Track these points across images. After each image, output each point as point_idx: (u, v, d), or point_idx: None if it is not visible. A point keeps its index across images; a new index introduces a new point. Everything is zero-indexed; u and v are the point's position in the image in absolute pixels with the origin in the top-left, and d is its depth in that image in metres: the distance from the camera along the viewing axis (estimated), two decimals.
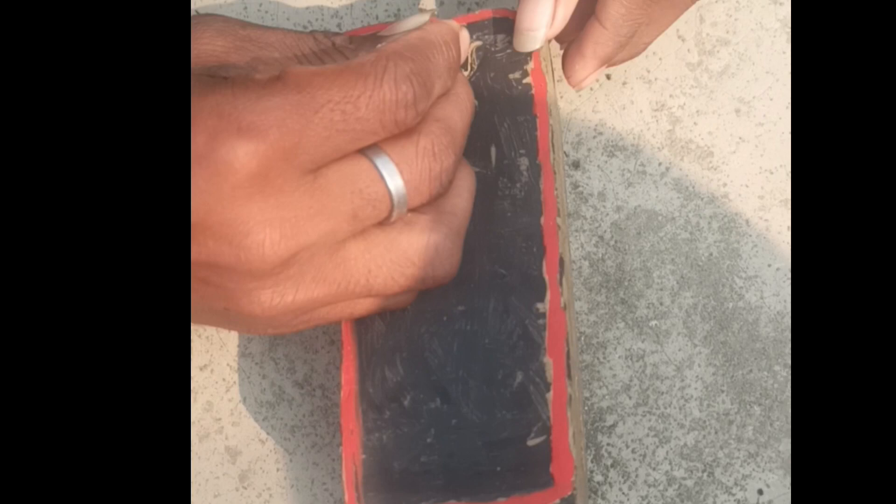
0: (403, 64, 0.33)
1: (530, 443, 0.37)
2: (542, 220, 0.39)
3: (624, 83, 0.47)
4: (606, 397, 0.44)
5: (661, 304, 0.45)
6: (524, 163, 0.40)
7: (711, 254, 0.45)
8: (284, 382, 0.44)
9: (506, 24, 0.41)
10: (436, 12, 0.39)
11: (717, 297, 0.45)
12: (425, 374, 0.38)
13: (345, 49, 0.36)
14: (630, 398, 0.44)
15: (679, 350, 0.44)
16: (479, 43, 0.41)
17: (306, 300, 0.33)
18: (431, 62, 0.34)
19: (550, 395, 0.37)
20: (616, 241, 0.45)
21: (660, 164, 0.46)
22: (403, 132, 0.34)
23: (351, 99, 0.31)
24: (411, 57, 0.33)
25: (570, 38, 0.42)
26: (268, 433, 0.44)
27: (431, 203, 0.35)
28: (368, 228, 0.34)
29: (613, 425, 0.43)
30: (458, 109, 0.36)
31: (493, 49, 0.41)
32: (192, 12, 0.49)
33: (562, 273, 0.39)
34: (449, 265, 0.36)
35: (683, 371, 0.44)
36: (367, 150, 0.33)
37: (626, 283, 0.45)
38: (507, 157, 0.40)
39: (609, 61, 0.42)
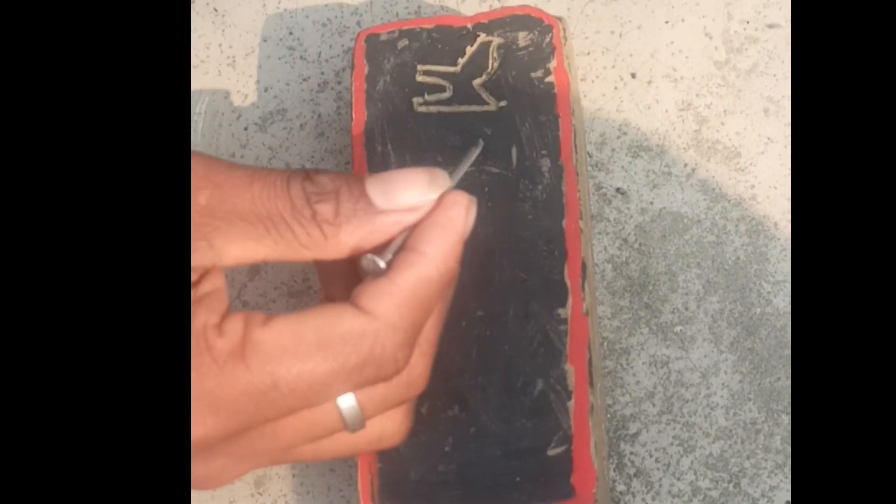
0: (393, 335, 0.30)
1: (551, 453, 0.36)
2: (564, 222, 0.38)
3: (649, 82, 0.46)
4: (630, 405, 0.43)
5: (687, 308, 0.44)
6: (546, 164, 0.39)
7: (738, 257, 0.44)
8: None
9: (528, 22, 0.40)
10: (450, 186, 0.32)
11: (744, 302, 0.43)
12: (443, 380, 0.37)
13: (326, 228, 0.30)
14: (654, 406, 0.43)
15: (705, 356, 0.43)
16: (500, 40, 0.40)
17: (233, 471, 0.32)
18: (427, 320, 0.31)
19: (572, 404, 0.36)
20: (640, 244, 0.44)
21: (686, 164, 0.45)
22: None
23: (325, 381, 0.29)
24: (404, 328, 0.30)
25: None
26: None
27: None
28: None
29: (637, 433, 0.42)
30: (440, 315, 0.33)
31: (514, 47, 0.40)
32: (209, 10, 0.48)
33: (584, 277, 0.38)
34: (399, 438, 0.34)
35: (709, 378, 0.43)
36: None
37: (650, 288, 0.44)
38: (528, 158, 0.39)
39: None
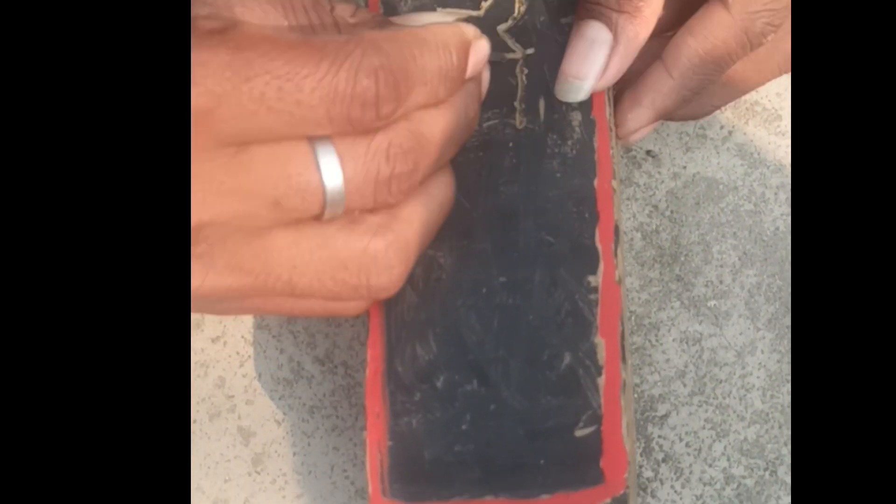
0: (374, 55, 0.29)
1: (578, 433, 0.33)
2: (596, 182, 0.35)
3: None
4: (658, 384, 0.40)
5: (721, 282, 0.41)
6: (576, 117, 0.36)
7: (778, 227, 0.41)
8: (304, 358, 0.41)
9: None
10: (464, 17, 0.34)
11: (783, 276, 0.40)
12: (461, 352, 0.34)
13: (341, 24, 0.31)
14: (685, 386, 0.39)
15: (740, 334, 0.40)
16: None
17: (217, 287, 0.30)
18: (415, 62, 0.30)
19: (602, 380, 0.33)
20: (672, 212, 0.41)
21: (722, 127, 0.42)
22: (362, 132, 0.30)
23: (294, 77, 0.28)
24: (389, 51, 0.29)
25: (628, 80, 0.37)
26: (284, 413, 0.40)
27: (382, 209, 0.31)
28: (302, 220, 0.30)
29: (666, 415, 0.39)
30: (443, 121, 0.32)
31: None
32: None
33: (617, 242, 0.35)
34: (387, 278, 0.32)
35: (745, 357, 0.40)
36: (313, 136, 0.29)
37: (682, 259, 0.41)
38: (557, 111, 0.36)
39: (667, 115, 0.37)
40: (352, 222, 0.31)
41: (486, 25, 0.37)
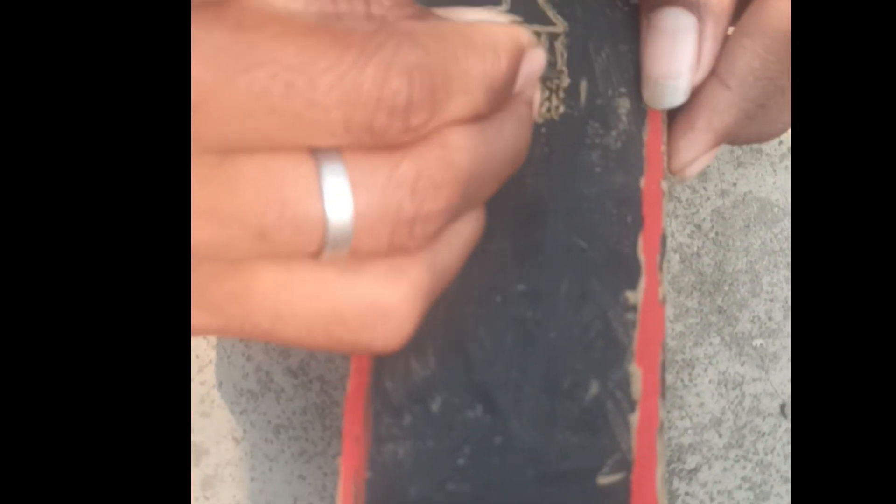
0: (410, 50, 0.25)
1: (602, 480, 0.29)
2: (643, 181, 0.31)
3: None
4: (689, 431, 0.36)
5: (771, 319, 0.38)
6: (624, 105, 0.32)
7: None
8: (274, 368, 0.38)
9: None
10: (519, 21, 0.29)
11: None
12: (465, 370, 0.30)
13: (374, 11, 0.26)
14: (720, 436, 0.36)
15: (789, 381, 0.36)
16: None
17: None
18: (457, 64, 0.26)
19: (636, 418, 0.29)
20: (717, 234, 0.39)
21: (780, 142, 0.40)
22: (383, 147, 0.25)
23: (308, 70, 0.24)
24: (428, 46, 0.25)
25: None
26: (245, 431, 0.38)
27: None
28: (294, 258, 0.26)
29: (696, 469, 0.36)
30: (485, 149, 0.27)
31: None
32: None
33: (663, 254, 0.30)
34: (394, 337, 0.27)
35: (790, 409, 0.35)
36: (319, 150, 0.25)
37: (726, 288, 0.38)
38: (601, 96, 0.32)
39: (729, 138, 0.33)
40: (357, 266, 0.26)
41: None
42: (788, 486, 0.35)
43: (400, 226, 0.25)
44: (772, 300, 0.37)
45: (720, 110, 0.32)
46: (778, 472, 0.35)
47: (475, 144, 0.27)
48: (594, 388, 0.29)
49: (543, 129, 0.31)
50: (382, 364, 0.30)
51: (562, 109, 0.32)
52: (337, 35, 0.24)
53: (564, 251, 0.30)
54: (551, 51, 0.32)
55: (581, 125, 0.31)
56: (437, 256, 0.27)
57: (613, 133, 0.31)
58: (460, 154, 0.26)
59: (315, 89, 0.24)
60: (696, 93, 0.32)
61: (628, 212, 0.30)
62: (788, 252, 0.38)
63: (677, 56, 0.31)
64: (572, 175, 0.31)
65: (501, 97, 0.26)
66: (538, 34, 0.32)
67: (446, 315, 0.30)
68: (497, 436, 0.29)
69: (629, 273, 0.30)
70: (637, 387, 0.29)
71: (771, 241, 0.38)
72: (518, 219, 0.31)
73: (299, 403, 0.37)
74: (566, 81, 0.32)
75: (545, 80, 0.32)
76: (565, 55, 0.32)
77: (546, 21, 0.33)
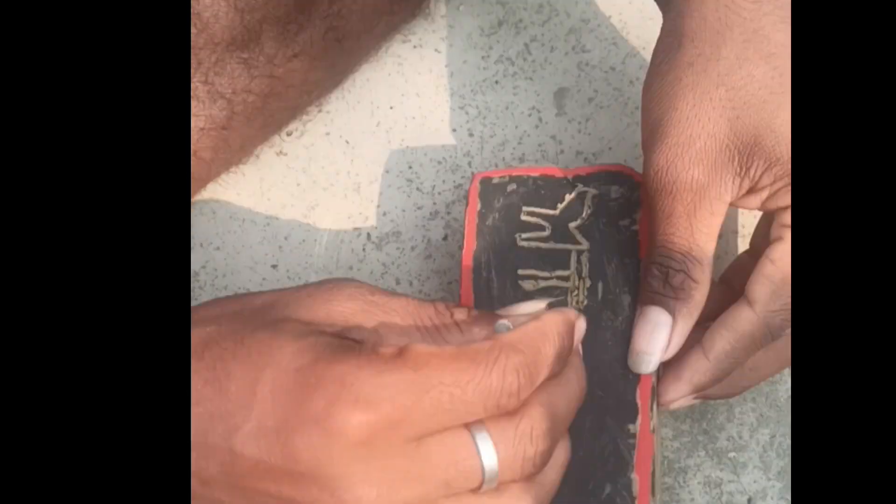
0: (514, 356, 0.35)
1: None
2: None
3: None
4: None
5: (741, 437, 0.49)
6: (626, 300, 0.45)
7: (790, 395, 0.49)
8: None
9: (619, 177, 0.47)
10: (549, 302, 0.40)
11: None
12: None
13: (463, 325, 0.38)
14: None
15: (754, 482, 0.48)
16: (595, 191, 0.47)
17: None
18: (541, 354, 0.36)
19: None
20: None
21: None
22: (508, 413, 0.35)
23: (460, 384, 0.34)
24: (523, 350, 0.35)
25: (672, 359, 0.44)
26: None
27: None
28: (461, 494, 0.36)
29: None
30: (565, 395, 0.37)
31: (606, 198, 0.47)
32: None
33: (653, 399, 0.43)
34: None
35: (756, 501, 0.48)
36: (471, 424, 0.35)
37: (709, 416, 0.49)
38: (611, 293, 0.45)
39: (702, 391, 0.44)
40: (499, 490, 0.36)
41: (559, 222, 0.47)
42: None
43: (527, 462, 0.36)
44: (741, 424, 0.48)
45: (700, 373, 0.43)
46: None
47: (560, 395, 0.37)
48: (608, 489, 0.42)
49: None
50: None
51: (585, 302, 0.45)
52: (468, 355, 0.34)
53: (589, 397, 0.43)
54: (578, 261, 0.46)
55: (599, 313, 0.45)
56: (546, 476, 0.37)
57: (619, 319, 0.44)
58: (553, 407, 0.37)
59: (465, 394, 0.34)
60: (685, 357, 0.43)
61: (629, 371, 0.44)
62: (753, 390, 0.48)
63: (654, 340, 0.43)
64: (593, 346, 0.44)
65: (566, 358, 0.38)
66: (569, 251, 0.46)
67: None
68: None
69: (631, 412, 0.43)
70: (636, 488, 0.42)
71: None
72: None
73: None
74: (588, 283, 0.45)
75: (575, 290, 0.45)
76: (587, 265, 0.46)
77: (575, 242, 0.46)
